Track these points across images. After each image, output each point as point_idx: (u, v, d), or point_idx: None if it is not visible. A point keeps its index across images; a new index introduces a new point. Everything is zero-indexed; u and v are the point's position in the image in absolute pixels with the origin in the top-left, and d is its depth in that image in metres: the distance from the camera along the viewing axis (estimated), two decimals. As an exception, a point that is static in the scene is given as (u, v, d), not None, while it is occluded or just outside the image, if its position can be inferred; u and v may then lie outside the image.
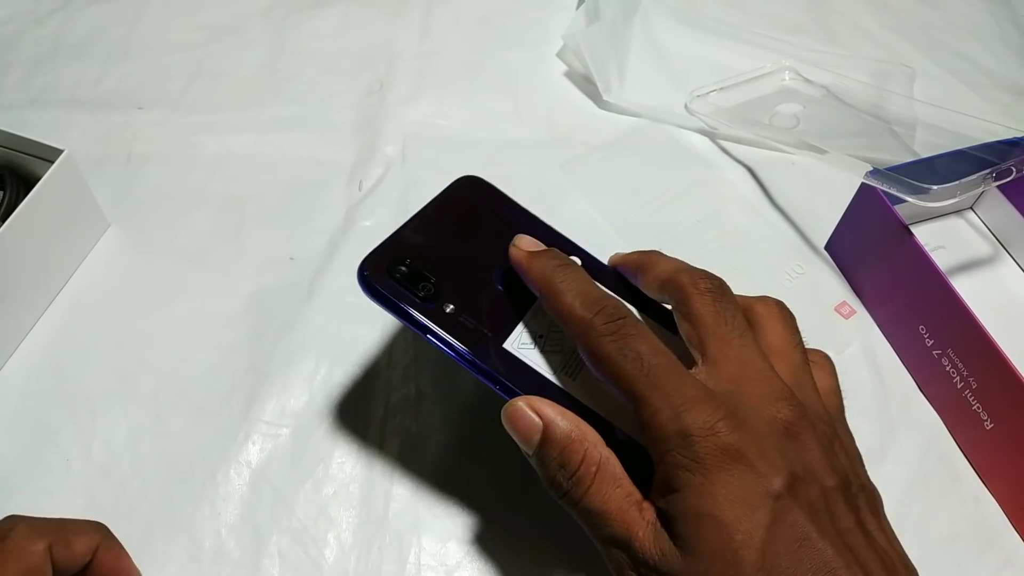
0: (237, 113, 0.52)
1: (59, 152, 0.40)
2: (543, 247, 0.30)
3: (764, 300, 0.30)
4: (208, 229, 0.45)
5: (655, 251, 0.31)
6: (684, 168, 0.51)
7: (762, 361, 0.26)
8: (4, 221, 0.37)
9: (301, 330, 0.41)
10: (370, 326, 0.41)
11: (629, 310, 0.27)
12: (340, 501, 0.36)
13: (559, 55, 0.57)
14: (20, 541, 0.26)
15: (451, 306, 0.29)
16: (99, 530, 0.28)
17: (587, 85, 0.55)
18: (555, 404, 0.27)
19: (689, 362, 0.27)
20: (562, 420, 0.26)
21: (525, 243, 0.30)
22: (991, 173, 0.39)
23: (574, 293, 0.27)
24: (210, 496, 0.35)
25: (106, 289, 0.42)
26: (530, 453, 0.27)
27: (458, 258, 0.31)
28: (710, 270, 0.29)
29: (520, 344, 0.29)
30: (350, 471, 0.37)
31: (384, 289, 0.29)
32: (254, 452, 0.37)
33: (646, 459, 0.26)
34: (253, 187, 0.48)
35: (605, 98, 0.53)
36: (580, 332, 0.26)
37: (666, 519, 0.24)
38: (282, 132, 0.51)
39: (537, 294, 0.29)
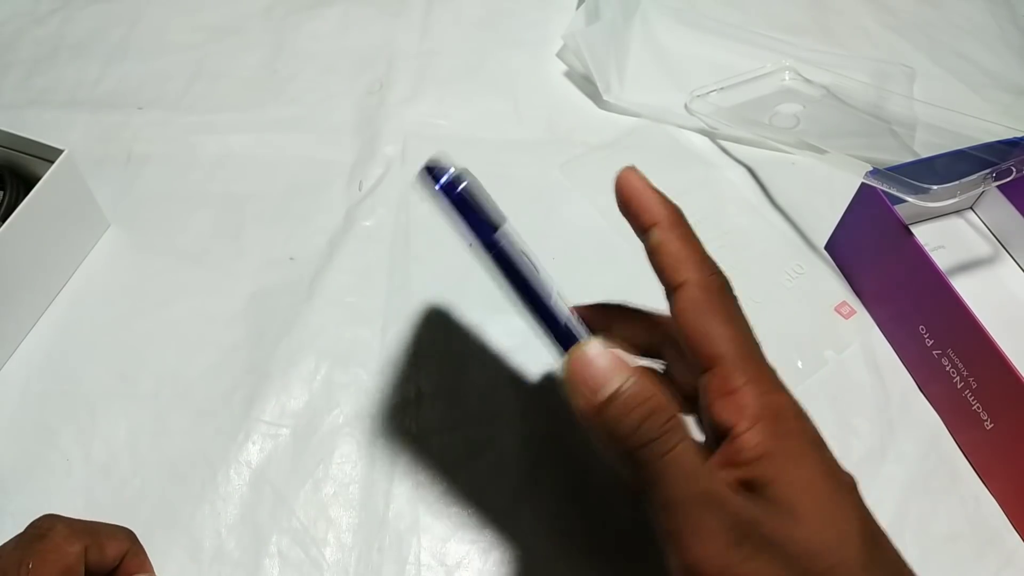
0: (237, 113, 0.52)
1: (59, 152, 0.40)
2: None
3: None
4: (208, 229, 0.45)
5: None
6: (684, 168, 0.51)
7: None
8: (4, 221, 0.37)
9: (301, 330, 0.41)
10: (370, 326, 0.41)
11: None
12: (340, 501, 0.36)
13: (559, 55, 0.57)
14: (59, 541, 0.26)
15: (514, 246, 0.27)
16: (129, 536, 0.29)
17: (587, 85, 0.55)
18: (630, 357, 0.25)
19: None
20: (643, 372, 0.25)
21: (639, 174, 0.28)
22: (991, 173, 0.39)
23: (691, 246, 0.26)
24: (210, 496, 0.35)
25: (106, 289, 0.42)
26: (597, 400, 0.24)
27: (493, 213, 0.28)
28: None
29: (560, 298, 0.27)
30: (350, 471, 0.37)
31: (465, 196, 0.26)
32: (254, 452, 0.37)
33: None
34: (253, 187, 0.48)
35: (605, 98, 0.53)
36: (690, 280, 0.25)
37: (755, 485, 0.23)
38: (282, 132, 0.51)
39: (639, 224, 0.27)
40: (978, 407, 0.37)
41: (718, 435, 0.24)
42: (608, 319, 0.31)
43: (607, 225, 0.46)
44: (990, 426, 0.37)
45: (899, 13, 0.64)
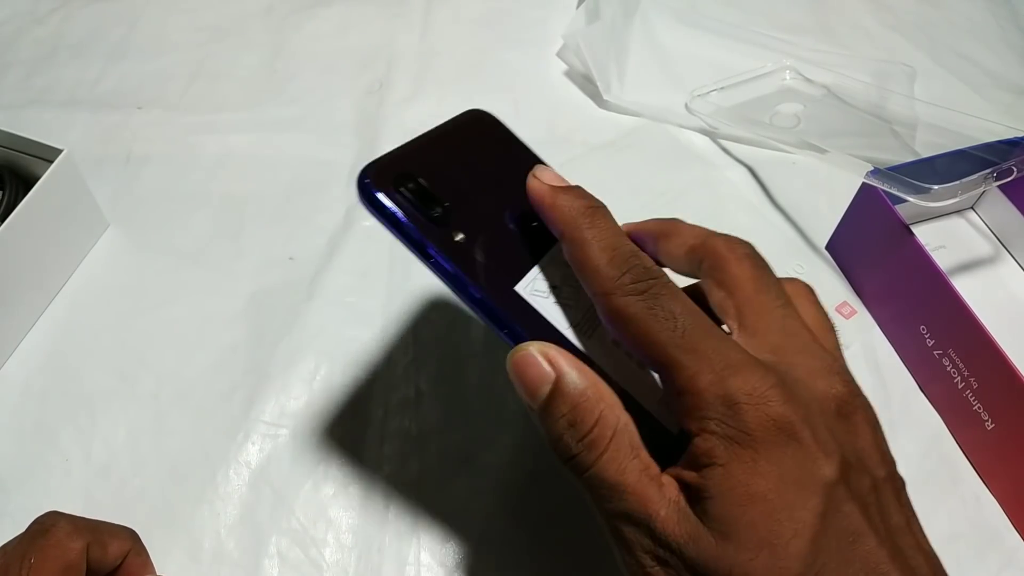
0: (237, 113, 0.52)
1: (58, 152, 0.40)
2: (568, 183, 0.26)
3: (792, 280, 0.27)
4: (208, 229, 0.45)
5: (677, 218, 0.28)
6: (684, 168, 0.51)
7: (808, 333, 0.24)
8: (3, 221, 0.37)
9: (301, 330, 0.41)
10: (370, 326, 0.41)
11: (661, 270, 0.24)
12: (340, 502, 0.36)
13: (559, 55, 0.57)
14: (61, 537, 0.26)
15: (461, 235, 0.25)
16: (132, 536, 0.29)
17: (587, 85, 0.55)
18: (570, 356, 0.24)
19: None
20: (577, 374, 0.23)
21: (548, 176, 0.26)
22: (992, 173, 0.39)
23: (602, 245, 0.23)
24: (210, 496, 0.35)
25: (105, 289, 0.42)
26: (535, 407, 0.23)
27: (469, 188, 0.27)
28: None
29: (533, 290, 0.26)
30: (350, 472, 0.37)
31: (390, 201, 0.25)
32: (254, 452, 0.37)
33: (663, 436, 0.23)
34: (253, 187, 0.47)
35: (605, 98, 0.53)
36: (604, 290, 0.23)
37: (698, 498, 0.21)
38: (282, 132, 0.51)
39: (558, 237, 0.25)
40: (979, 407, 0.37)
41: (686, 439, 0.22)
42: (658, 238, 0.28)
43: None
44: (991, 426, 0.37)
45: (900, 13, 0.63)
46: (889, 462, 0.23)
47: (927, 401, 0.41)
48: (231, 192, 0.47)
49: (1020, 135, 0.44)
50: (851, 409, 0.23)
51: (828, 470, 0.21)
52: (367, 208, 0.25)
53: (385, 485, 0.36)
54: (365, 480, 0.36)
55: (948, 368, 0.39)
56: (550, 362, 0.23)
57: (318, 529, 0.35)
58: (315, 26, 0.58)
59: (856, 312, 0.44)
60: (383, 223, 0.25)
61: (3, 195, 0.40)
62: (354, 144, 0.50)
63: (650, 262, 0.24)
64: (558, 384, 0.23)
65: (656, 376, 0.24)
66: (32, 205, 0.38)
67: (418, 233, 0.25)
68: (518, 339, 0.25)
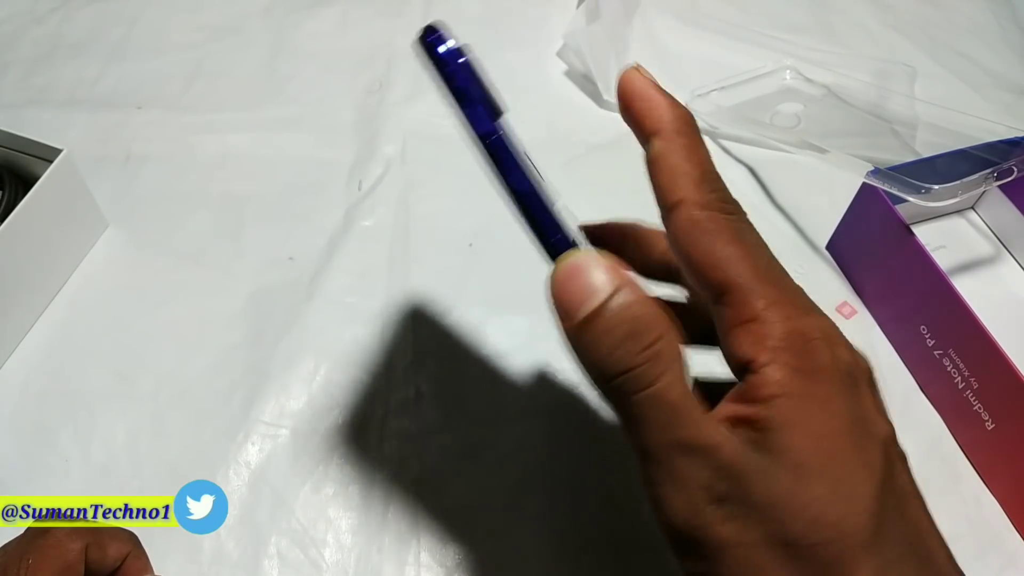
0: (236, 113, 0.52)
1: (58, 152, 0.39)
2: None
3: None
4: (207, 229, 0.45)
5: (637, 222, 0.27)
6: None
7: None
8: (3, 221, 0.37)
9: (300, 330, 0.41)
10: (370, 327, 0.41)
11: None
12: (340, 502, 0.36)
13: (559, 54, 0.57)
14: (60, 538, 0.26)
15: (514, 138, 0.24)
16: (131, 539, 0.29)
17: (587, 84, 0.55)
18: (630, 271, 0.22)
19: None
20: (639, 287, 0.21)
21: (646, 72, 0.24)
22: (992, 173, 0.39)
23: (699, 158, 0.22)
24: (209, 497, 0.35)
25: (105, 289, 0.42)
26: (581, 316, 0.21)
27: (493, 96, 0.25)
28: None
29: (564, 209, 0.24)
30: (350, 472, 0.37)
31: (471, 67, 0.23)
32: (253, 453, 0.37)
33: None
34: (252, 187, 0.47)
35: (605, 97, 0.53)
36: (694, 200, 0.21)
37: (761, 429, 0.19)
38: (281, 132, 0.51)
39: (649, 133, 0.23)
40: (979, 407, 0.37)
41: (741, 371, 0.21)
42: (623, 240, 0.27)
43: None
44: (991, 426, 0.37)
45: (900, 12, 0.63)
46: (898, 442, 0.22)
47: (927, 401, 0.41)
48: (231, 192, 0.47)
49: (1020, 135, 0.44)
50: (873, 379, 0.22)
51: (884, 427, 0.20)
52: (448, 72, 0.23)
53: (385, 485, 0.36)
54: (365, 480, 0.36)
55: (948, 368, 0.38)
56: (611, 270, 0.21)
57: (318, 529, 0.35)
58: (315, 26, 0.58)
59: (856, 312, 0.44)
60: (457, 90, 0.23)
61: (3, 195, 0.40)
62: (354, 144, 0.50)
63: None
64: (622, 291, 0.21)
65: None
66: (32, 205, 0.38)
67: (490, 106, 0.23)
68: (564, 245, 0.23)
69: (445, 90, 0.23)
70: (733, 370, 0.21)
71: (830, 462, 0.19)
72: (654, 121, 0.23)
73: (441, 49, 0.23)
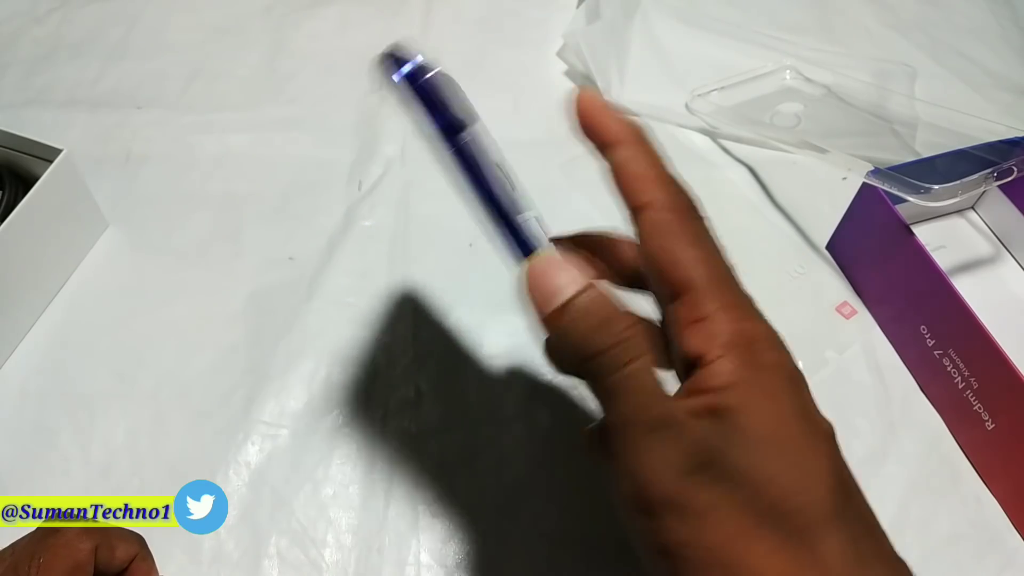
0: (236, 113, 0.52)
1: (58, 152, 0.39)
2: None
3: None
4: (207, 229, 0.45)
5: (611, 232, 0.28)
6: (684, 168, 0.49)
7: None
8: (3, 221, 0.37)
9: (300, 330, 0.41)
10: (369, 327, 0.41)
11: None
12: (340, 502, 0.36)
13: (559, 55, 0.57)
14: (71, 537, 0.27)
15: (479, 148, 0.25)
16: (139, 541, 0.30)
17: (587, 85, 0.55)
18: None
19: None
20: (609, 285, 0.23)
21: (596, 93, 0.26)
22: (992, 173, 0.39)
23: (658, 163, 0.24)
24: (209, 497, 0.35)
25: (105, 289, 0.42)
26: (556, 304, 0.23)
27: (469, 120, 0.26)
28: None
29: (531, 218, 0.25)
30: (350, 472, 0.37)
31: (429, 88, 0.24)
32: (253, 453, 0.37)
33: None
34: (252, 187, 0.47)
35: (605, 97, 0.53)
36: (659, 203, 0.23)
37: (714, 414, 0.21)
38: (281, 132, 0.51)
39: (606, 146, 0.25)
40: (979, 407, 0.37)
41: (689, 368, 0.22)
42: (592, 249, 0.28)
43: (607, 225, 0.46)
44: (991, 426, 0.37)
45: (900, 12, 0.63)
46: None
47: (927, 401, 0.41)
48: (230, 192, 0.47)
49: (1020, 135, 0.44)
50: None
51: (827, 425, 0.22)
52: (406, 89, 0.24)
53: (385, 485, 0.36)
54: (365, 481, 0.36)
55: (948, 368, 0.38)
56: (581, 269, 0.23)
57: (318, 529, 0.35)
58: (315, 26, 0.58)
59: (856, 312, 0.44)
60: (418, 109, 0.25)
61: (3, 195, 0.40)
62: (354, 144, 0.50)
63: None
64: (594, 286, 0.23)
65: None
66: (32, 205, 0.38)
67: (452, 121, 0.25)
68: (528, 249, 0.24)
69: (414, 110, 0.25)
70: (680, 367, 0.23)
71: (788, 441, 0.21)
72: (614, 132, 0.24)
73: (396, 78, 0.25)
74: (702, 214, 0.24)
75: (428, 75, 0.25)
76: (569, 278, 0.23)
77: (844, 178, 0.48)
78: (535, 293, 0.23)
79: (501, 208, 0.25)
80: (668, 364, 0.24)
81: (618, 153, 0.24)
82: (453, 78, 0.25)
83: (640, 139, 0.24)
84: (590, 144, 0.25)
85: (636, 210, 0.23)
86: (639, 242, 0.23)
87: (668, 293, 0.23)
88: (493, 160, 0.26)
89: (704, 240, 0.23)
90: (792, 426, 0.21)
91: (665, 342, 0.24)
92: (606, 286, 0.23)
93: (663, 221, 0.23)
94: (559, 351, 0.23)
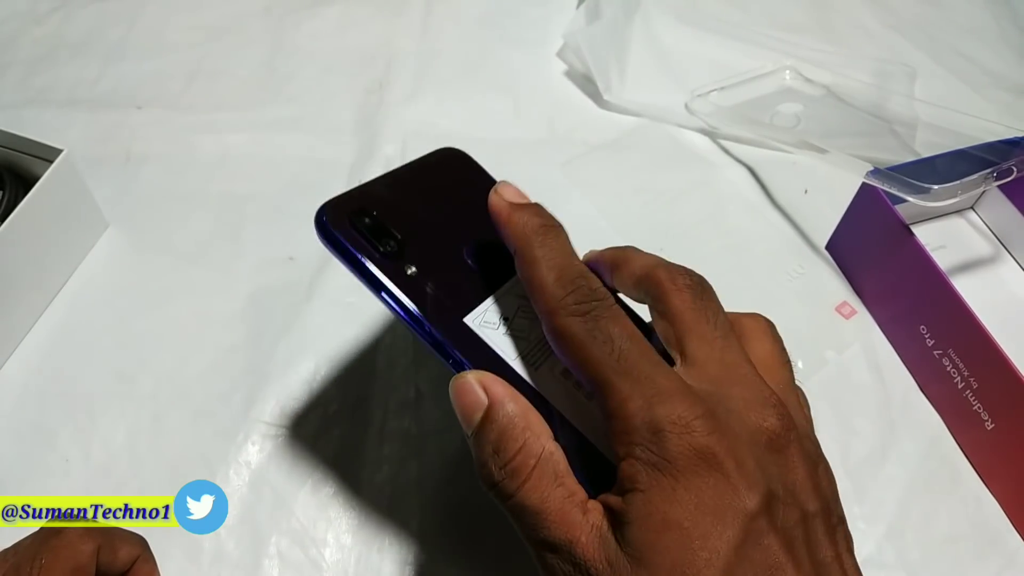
0: (236, 113, 0.52)
1: (58, 152, 0.39)
2: (528, 200, 0.27)
3: (752, 314, 0.27)
4: (207, 229, 0.45)
5: (631, 247, 0.28)
6: (684, 168, 0.51)
7: (748, 365, 0.24)
8: (3, 221, 0.37)
9: (300, 331, 0.41)
10: (370, 327, 0.41)
11: (607, 292, 0.25)
12: (340, 502, 0.36)
13: (559, 55, 0.57)
14: (73, 539, 0.27)
15: (413, 269, 0.26)
16: (141, 543, 0.30)
17: (587, 84, 0.55)
18: (509, 386, 0.24)
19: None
20: (510, 403, 0.24)
21: (509, 192, 0.27)
22: (992, 173, 0.39)
23: (551, 264, 0.24)
24: (209, 497, 0.35)
25: (105, 289, 0.42)
26: (469, 434, 0.24)
27: (429, 223, 0.28)
28: (710, 270, 0.28)
29: (483, 322, 0.27)
30: (350, 472, 0.37)
31: (342, 236, 0.26)
32: (253, 452, 0.37)
33: (604, 465, 0.24)
34: (252, 187, 0.47)
35: (605, 98, 0.53)
36: (549, 308, 0.24)
37: (619, 523, 0.21)
38: (281, 132, 0.51)
39: (511, 251, 0.26)
40: (979, 407, 0.37)
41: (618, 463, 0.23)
42: (600, 267, 0.28)
43: (607, 225, 0.46)
44: (991, 426, 0.37)
45: (900, 12, 0.63)
46: (825, 497, 0.23)
47: (927, 401, 0.41)
48: (230, 192, 0.47)
49: (1020, 135, 0.44)
50: (784, 443, 0.23)
51: (750, 502, 0.21)
52: (325, 245, 0.26)
53: (385, 485, 0.36)
54: (365, 480, 0.36)
55: (948, 368, 0.39)
56: (485, 389, 0.24)
57: (318, 529, 0.35)
58: (314, 25, 0.58)
59: (856, 312, 0.44)
60: (339, 259, 0.26)
61: (3, 195, 0.40)
62: (354, 144, 0.50)
63: (597, 284, 0.24)
64: (489, 411, 0.24)
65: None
66: (32, 205, 0.38)
67: (367, 266, 0.26)
68: (460, 368, 0.26)
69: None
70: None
71: (666, 554, 0.20)
72: (511, 240, 0.26)
73: (331, 231, 0.26)
74: (598, 298, 0.24)
75: (334, 222, 0.26)
76: (475, 402, 0.24)
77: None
78: (458, 416, 0.25)
79: (430, 340, 0.26)
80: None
81: (517, 263, 0.25)
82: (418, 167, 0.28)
83: (531, 243, 0.25)
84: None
85: (542, 320, 0.25)
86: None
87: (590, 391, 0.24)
88: (451, 252, 0.28)
89: (597, 332, 0.23)
90: (681, 535, 0.20)
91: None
92: (507, 404, 0.24)
93: (556, 329, 0.24)
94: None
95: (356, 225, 0.26)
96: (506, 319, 0.27)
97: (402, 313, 0.26)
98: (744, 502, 0.21)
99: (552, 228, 0.26)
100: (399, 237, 0.27)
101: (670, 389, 0.22)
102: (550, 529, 0.22)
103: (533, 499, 0.23)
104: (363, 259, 0.26)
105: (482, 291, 0.27)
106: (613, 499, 0.22)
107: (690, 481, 0.21)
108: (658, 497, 0.21)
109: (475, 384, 0.24)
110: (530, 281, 0.25)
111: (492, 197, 0.26)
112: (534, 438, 0.23)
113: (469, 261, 0.28)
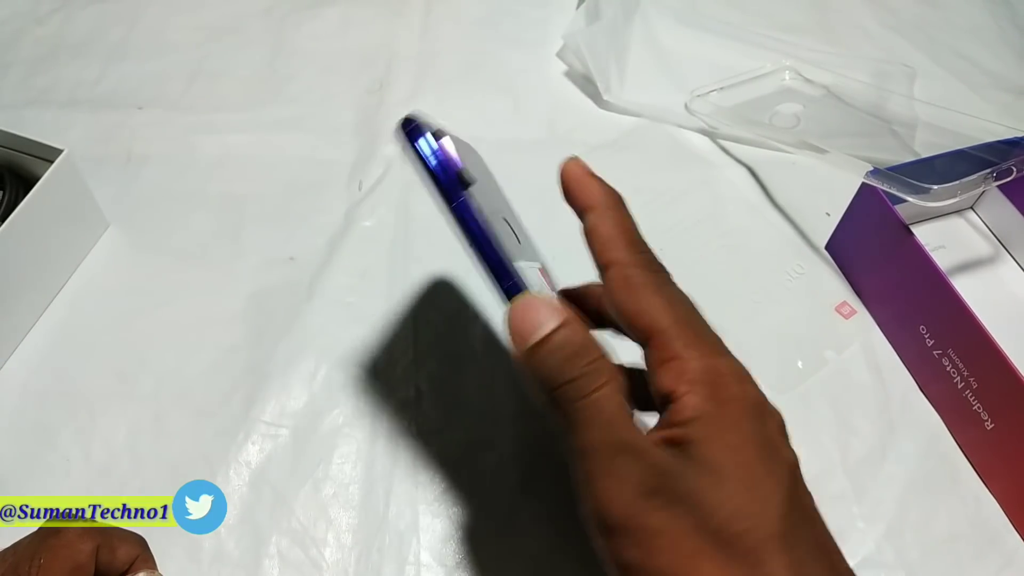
0: (237, 113, 0.52)
1: (59, 152, 0.40)
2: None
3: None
4: (207, 229, 0.45)
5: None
6: (684, 168, 0.51)
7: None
8: (4, 221, 0.37)
9: (301, 330, 0.41)
10: (370, 327, 0.41)
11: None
12: (340, 502, 0.36)
13: (559, 55, 0.57)
14: (72, 538, 0.27)
15: (478, 204, 0.27)
16: (140, 542, 0.29)
17: (587, 85, 0.55)
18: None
19: None
20: (581, 324, 0.25)
21: (582, 163, 0.28)
22: (991, 173, 0.39)
23: (627, 226, 0.26)
24: (210, 496, 0.35)
25: (105, 289, 0.42)
26: (532, 341, 0.25)
27: (480, 176, 0.29)
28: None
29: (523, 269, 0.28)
30: (350, 472, 0.37)
31: (440, 142, 0.27)
32: (254, 452, 0.37)
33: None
34: (252, 187, 0.47)
35: (605, 98, 0.53)
36: (625, 260, 0.25)
37: (680, 443, 0.23)
38: (282, 132, 0.51)
39: (584, 209, 0.27)
40: (978, 407, 0.37)
41: (664, 405, 0.24)
42: (582, 299, 0.30)
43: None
44: (990, 426, 0.37)
45: (899, 13, 0.63)
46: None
47: (927, 401, 0.41)
48: (231, 192, 0.47)
49: (1020, 135, 0.44)
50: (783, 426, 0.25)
51: (790, 455, 0.24)
52: (413, 148, 0.27)
53: (385, 485, 0.36)
54: (365, 480, 0.36)
55: (948, 368, 0.39)
56: (558, 308, 0.25)
57: (318, 529, 0.35)
58: (315, 26, 0.58)
59: (856, 312, 0.44)
60: (425, 163, 0.27)
61: (3, 195, 0.40)
62: (354, 144, 0.50)
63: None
64: (567, 322, 0.25)
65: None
66: (32, 205, 0.38)
67: (455, 174, 0.27)
68: (516, 291, 0.26)
69: (420, 174, 0.27)
70: (658, 404, 0.24)
71: (743, 469, 0.22)
72: (588, 198, 0.27)
73: (421, 142, 0.27)
74: (665, 271, 0.26)
75: (436, 147, 0.27)
76: (547, 315, 0.25)
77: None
78: (515, 330, 0.25)
79: (492, 258, 0.27)
80: (643, 404, 0.26)
81: (589, 217, 0.27)
82: (462, 140, 0.28)
83: (611, 205, 0.27)
84: (571, 208, 0.28)
85: (603, 268, 0.26)
86: (606, 298, 0.26)
87: (640, 339, 0.25)
88: (498, 214, 0.28)
89: (665, 288, 0.25)
90: (748, 454, 0.22)
91: (643, 384, 0.26)
92: (580, 324, 0.25)
93: (625, 276, 0.25)
94: (535, 382, 0.25)
95: (441, 140, 0.27)
96: (531, 287, 0.28)
97: (475, 228, 0.27)
98: (786, 453, 0.24)
99: (623, 202, 0.27)
100: (470, 170, 0.27)
101: (726, 350, 0.24)
102: (624, 431, 0.23)
103: (613, 401, 0.24)
104: (452, 167, 0.27)
105: (515, 254, 0.28)
106: (667, 431, 0.23)
107: (749, 422, 0.23)
108: (725, 424, 0.23)
109: (548, 302, 0.25)
110: (607, 235, 0.26)
111: (568, 163, 0.28)
112: (607, 355, 0.25)
113: (507, 223, 0.29)
